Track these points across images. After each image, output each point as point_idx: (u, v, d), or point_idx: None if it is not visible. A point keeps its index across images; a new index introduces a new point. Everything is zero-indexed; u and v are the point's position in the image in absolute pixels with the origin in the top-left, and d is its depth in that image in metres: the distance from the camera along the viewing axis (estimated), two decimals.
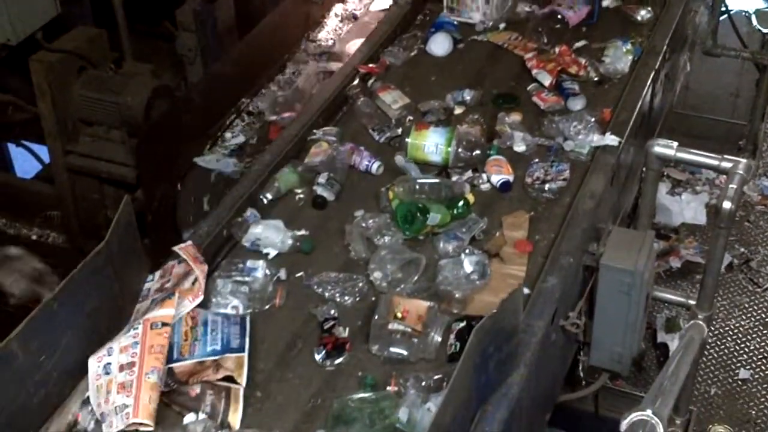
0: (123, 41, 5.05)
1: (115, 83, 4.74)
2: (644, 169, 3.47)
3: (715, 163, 3.30)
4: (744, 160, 3.24)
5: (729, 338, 4.55)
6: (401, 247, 3.04)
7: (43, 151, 5.27)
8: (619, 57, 3.89)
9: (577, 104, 3.67)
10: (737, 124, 5.89)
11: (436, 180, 3.30)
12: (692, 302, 3.44)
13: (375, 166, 3.42)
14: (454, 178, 3.37)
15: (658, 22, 4.20)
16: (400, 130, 3.56)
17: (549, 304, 2.88)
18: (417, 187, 3.22)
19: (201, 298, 2.72)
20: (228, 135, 5.13)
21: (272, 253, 3.09)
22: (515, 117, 3.64)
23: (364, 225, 3.11)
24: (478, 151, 3.39)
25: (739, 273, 4.89)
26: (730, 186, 3.16)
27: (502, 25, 4.23)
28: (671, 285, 4.75)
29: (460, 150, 3.38)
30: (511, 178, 3.35)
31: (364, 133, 3.63)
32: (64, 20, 4.92)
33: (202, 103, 4.96)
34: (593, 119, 3.52)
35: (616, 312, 3.09)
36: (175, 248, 2.89)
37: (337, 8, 6.10)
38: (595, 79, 3.83)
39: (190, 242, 2.96)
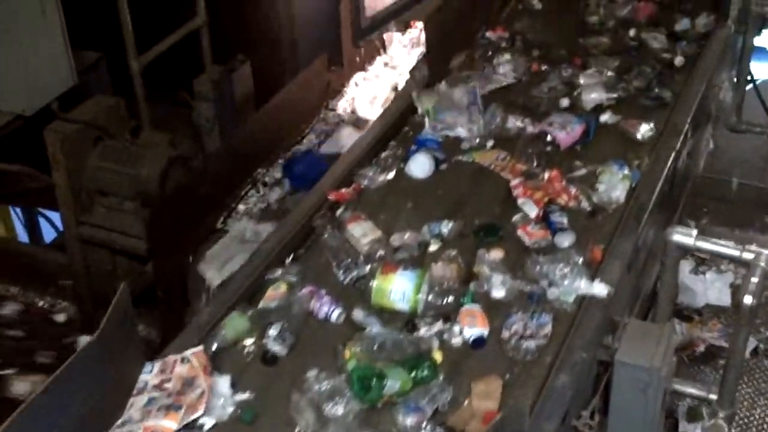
0: (141, 110, 5.05)
1: (130, 154, 4.70)
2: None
3: (736, 253, 3.19)
4: (765, 251, 3.12)
5: (754, 428, 4.37)
6: (352, 424, 2.67)
7: (58, 218, 5.25)
8: (615, 185, 3.54)
9: (564, 241, 3.31)
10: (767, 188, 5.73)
11: (400, 336, 2.92)
12: (713, 396, 3.30)
13: (335, 315, 3.05)
14: (422, 330, 2.98)
15: (679, 99, 4.11)
16: (368, 268, 3.17)
17: (560, 405, 2.76)
18: (376, 346, 2.86)
19: (201, 412, 2.61)
20: (242, 207, 5.12)
21: (208, 424, 2.66)
22: (496, 254, 3.26)
23: (316, 387, 2.72)
24: (451, 298, 3.04)
25: (765, 359, 4.71)
26: (752, 279, 3.04)
27: (490, 143, 3.87)
28: (694, 370, 4.58)
29: (430, 297, 3.02)
30: (485, 332, 2.97)
31: (328, 272, 3.24)
32: (82, 89, 4.93)
33: (218, 173, 4.95)
34: (581, 260, 3.15)
35: (633, 410, 2.96)
36: (188, 353, 2.79)
37: (358, 77, 6.11)
38: (588, 209, 3.49)
39: (201, 347, 2.84)
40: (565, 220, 3.39)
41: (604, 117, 3.98)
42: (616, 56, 4.35)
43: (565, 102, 4.07)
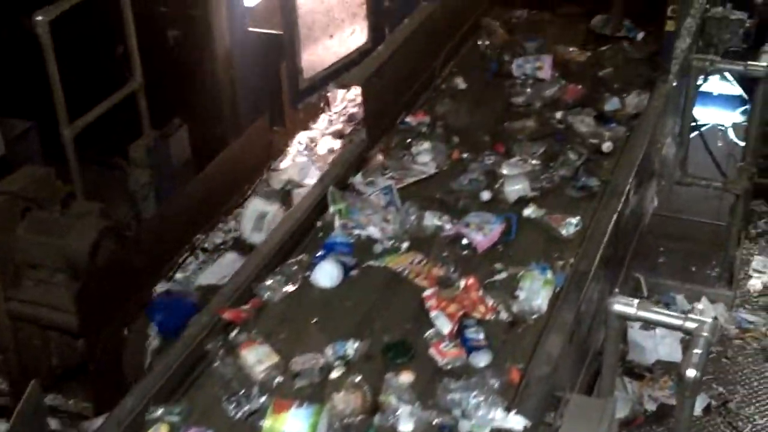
0: (74, 178, 4.90)
1: (60, 225, 4.55)
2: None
3: (678, 323, 3.09)
4: (709, 320, 3.03)
5: None
6: None
7: None
8: (536, 291, 3.24)
9: (480, 360, 3.01)
10: (722, 226, 5.67)
11: None
12: None
13: None
14: None
15: (620, 158, 4.03)
16: (263, 400, 2.86)
17: None
18: None
19: None
20: (179, 275, 4.95)
21: None
22: (406, 378, 2.95)
23: None
24: None
25: (717, 416, 4.62)
26: (695, 351, 2.93)
27: (405, 245, 3.54)
28: (646, 430, 4.48)
29: None
30: None
31: (218, 406, 2.88)
32: (11, 159, 4.78)
33: (153, 242, 4.79)
34: (497, 384, 2.86)
35: None
36: None
37: (301, 136, 6.00)
38: (507, 320, 3.19)
39: None
40: (481, 336, 3.09)
41: (527, 211, 3.70)
42: (542, 141, 4.10)
43: (485, 195, 3.78)
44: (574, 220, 3.61)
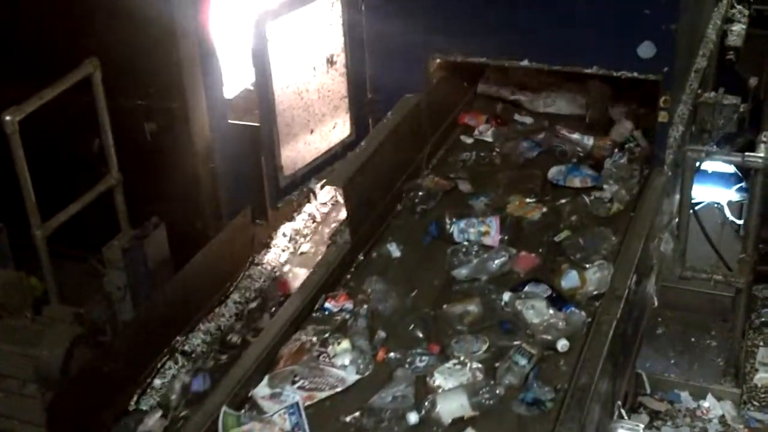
0: (47, 281, 4.72)
1: (31, 333, 4.38)
2: None
3: None
4: None
5: None
6: None
7: None
8: None
9: None
10: (721, 296, 5.49)
11: None
12: None
13: None
14: None
15: (618, 259, 3.85)
16: None
17: None
18: None
19: None
20: (157, 382, 4.72)
21: None
22: None
23: None
24: None
25: None
26: None
27: None
28: None
29: None
30: None
31: None
32: None
33: (130, 348, 4.57)
34: None
35: None
36: None
37: (286, 228, 5.80)
38: None
39: None
40: None
41: None
42: (486, 332, 3.48)
43: (413, 417, 3.13)
44: None
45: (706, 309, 5.53)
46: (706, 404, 4.85)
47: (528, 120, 4.95)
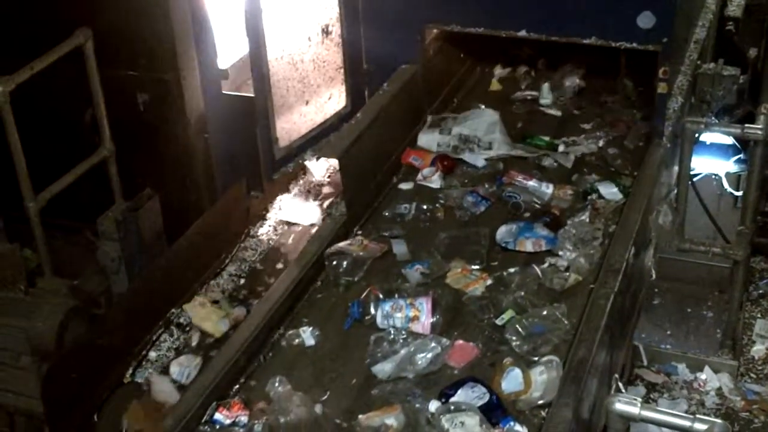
0: (41, 253, 4.68)
1: (25, 306, 4.36)
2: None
3: (687, 424, 2.86)
4: (719, 421, 2.80)
5: None
6: None
7: None
8: None
9: None
10: (718, 267, 5.47)
11: None
12: None
13: None
14: None
15: (616, 232, 3.82)
16: None
17: None
18: None
19: None
20: (153, 354, 4.70)
21: None
22: None
23: None
24: None
25: None
26: None
27: None
28: None
29: None
30: None
31: None
32: None
33: (125, 320, 4.55)
34: None
35: None
36: None
37: (280, 200, 5.76)
38: None
39: None
40: None
41: None
42: None
43: None
44: None
45: (704, 281, 5.51)
46: (703, 376, 4.84)
47: (480, 162, 4.40)
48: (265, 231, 5.54)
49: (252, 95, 4.64)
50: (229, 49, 5.30)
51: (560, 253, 3.70)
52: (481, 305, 3.50)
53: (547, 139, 4.58)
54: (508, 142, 4.45)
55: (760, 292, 5.49)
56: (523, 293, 3.48)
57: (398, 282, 3.66)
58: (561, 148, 4.48)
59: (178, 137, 5.18)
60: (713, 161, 6.09)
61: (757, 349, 5.06)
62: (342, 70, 4.74)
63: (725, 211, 5.94)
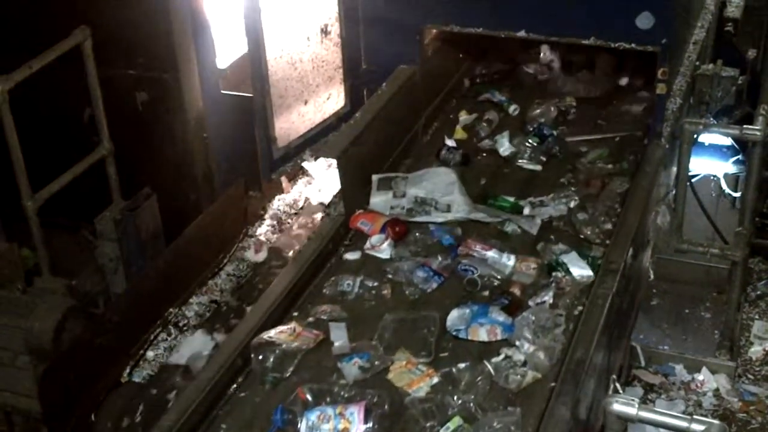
0: (38, 252, 4.68)
1: (23, 305, 4.36)
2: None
3: (684, 425, 2.86)
4: (716, 422, 2.80)
5: None
6: None
7: None
8: None
9: None
10: (716, 268, 5.47)
11: None
12: None
13: None
14: None
15: (614, 234, 3.82)
16: None
17: None
18: None
19: None
20: (150, 354, 4.70)
21: None
22: None
23: None
24: None
25: None
26: None
27: None
28: None
29: None
30: None
31: None
32: None
33: (122, 320, 4.55)
34: None
35: None
36: None
37: (278, 200, 5.77)
38: None
39: None
40: None
41: None
42: None
43: None
44: None
45: (702, 282, 5.50)
46: (700, 377, 4.84)
47: (438, 217, 3.96)
48: (263, 230, 5.55)
49: (251, 95, 4.65)
50: (228, 48, 5.30)
51: (517, 343, 3.22)
52: (424, 409, 3.01)
53: (511, 200, 4.07)
54: (469, 204, 4.00)
55: (758, 293, 5.49)
56: (473, 396, 3.04)
57: (333, 378, 3.19)
58: (526, 210, 4.00)
59: (177, 137, 5.18)
60: (712, 162, 6.10)
61: (755, 351, 5.06)
62: (341, 70, 4.75)
63: (723, 212, 5.95)
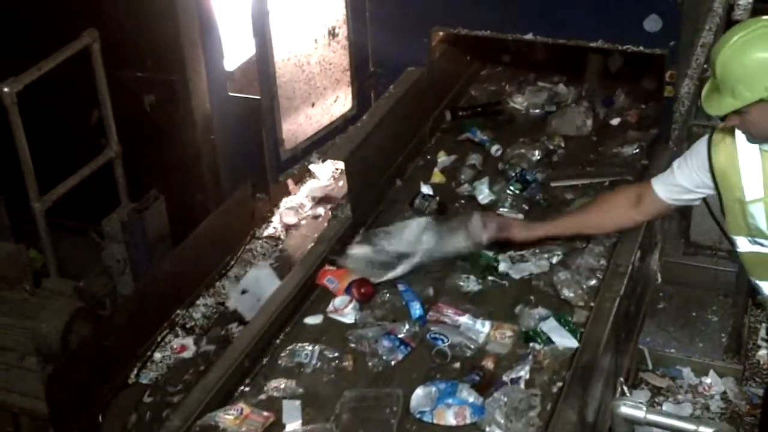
0: (46, 254, 4.69)
1: (30, 306, 4.36)
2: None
3: (692, 427, 2.85)
4: (724, 425, 2.80)
5: None
6: None
7: None
8: None
9: None
10: (724, 271, 5.44)
11: None
12: None
13: None
14: None
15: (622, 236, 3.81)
16: None
17: None
18: None
19: None
20: (158, 355, 4.71)
21: None
22: None
23: None
24: None
25: None
26: None
27: None
28: None
29: None
30: None
31: None
32: None
33: (130, 322, 4.56)
34: None
35: None
36: None
37: (286, 202, 5.77)
38: None
39: None
40: None
41: None
42: None
43: None
44: None
45: (709, 285, 5.48)
46: (708, 380, 4.81)
47: (406, 266, 3.62)
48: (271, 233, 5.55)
49: (258, 97, 4.66)
50: (235, 50, 5.31)
51: (488, 429, 2.94)
52: None
53: (490, 254, 3.71)
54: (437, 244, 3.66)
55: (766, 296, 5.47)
56: None
57: None
58: (503, 266, 3.67)
59: (185, 139, 5.20)
60: None
61: (762, 354, 5.04)
62: (348, 72, 4.75)
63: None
